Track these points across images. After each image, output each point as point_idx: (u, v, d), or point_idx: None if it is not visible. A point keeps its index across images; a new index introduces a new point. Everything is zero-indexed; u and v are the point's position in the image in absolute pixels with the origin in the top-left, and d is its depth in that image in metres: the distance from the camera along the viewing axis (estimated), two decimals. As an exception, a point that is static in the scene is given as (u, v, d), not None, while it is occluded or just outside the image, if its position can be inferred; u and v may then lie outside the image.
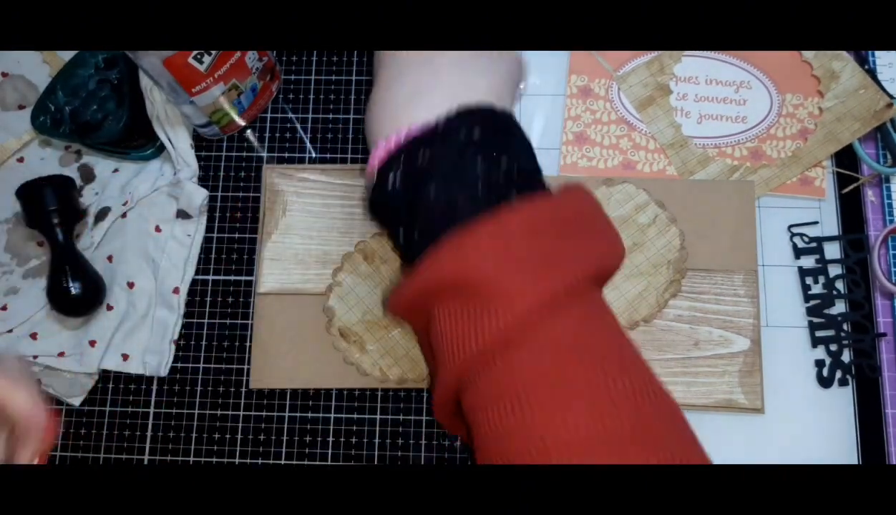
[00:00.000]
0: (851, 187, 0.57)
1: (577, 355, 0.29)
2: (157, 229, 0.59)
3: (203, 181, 0.61)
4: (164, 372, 0.56)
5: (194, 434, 0.56)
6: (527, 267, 0.31)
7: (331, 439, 0.55)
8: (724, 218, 0.56)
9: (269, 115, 0.62)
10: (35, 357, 0.56)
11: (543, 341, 0.30)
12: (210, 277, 0.59)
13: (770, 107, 0.59)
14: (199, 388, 0.56)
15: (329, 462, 0.55)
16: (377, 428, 0.55)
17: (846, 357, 0.54)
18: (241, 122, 0.60)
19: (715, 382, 0.53)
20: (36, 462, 0.35)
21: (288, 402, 0.56)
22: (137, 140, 0.59)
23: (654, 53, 0.61)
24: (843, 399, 0.54)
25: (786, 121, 0.59)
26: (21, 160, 0.62)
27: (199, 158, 0.60)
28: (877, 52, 0.60)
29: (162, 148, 0.61)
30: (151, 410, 0.56)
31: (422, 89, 0.41)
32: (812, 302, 0.55)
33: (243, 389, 0.56)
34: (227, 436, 0.55)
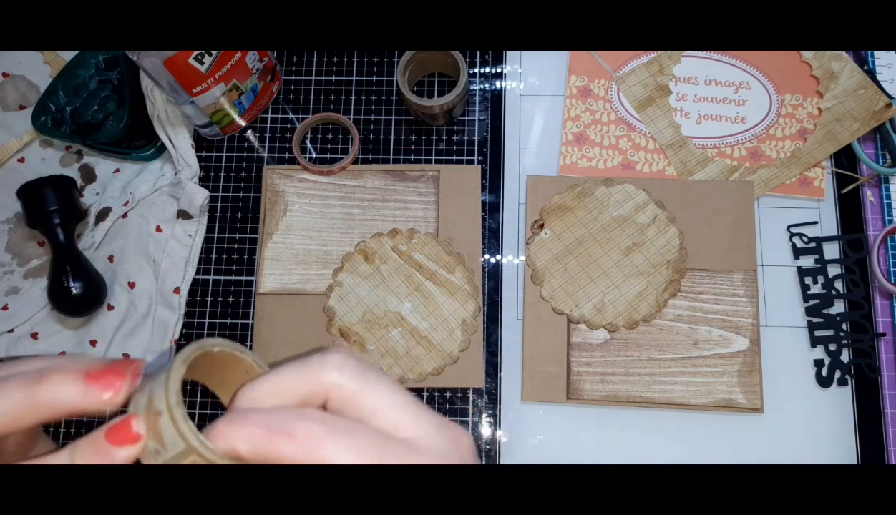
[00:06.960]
0: (850, 187, 0.57)
1: None
2: (158, 229, 0.59)
3: (204, 181, 0.61)
4: (164, 371, 0.56)
5: (195, 434, 0.56)
6: None
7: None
8: (723, 218, 0.56)
9: (269, 116, 0.62)
10: (36, 357, 0.57)
11: None
12: (211, 277, 0.59)
13: (769, 108, 0.59)
14: (200, 387, 0.56)
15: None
16: (377, 428, 0.55)
17: (845, 356, 0.54)
18: (242, 123, 0.61)
19: (714, 382, 0.53)
20: None
21: (288, 402, 0.56)
22: (138, 140, 0.60)
23: (654, 54, 0.61)
24: (842, 398, 0.54)
25: (785, 122, 0.59)
26: (22, 160, 0.62)
27: (199, 158, 0.61)
28: (876, 53, 0.60)
29: (163, 148, 0.61)
30: (152, 410, 0.56)
31: None
32: (811, 302, 0.55)
33: (244, 389, 0.56)
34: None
